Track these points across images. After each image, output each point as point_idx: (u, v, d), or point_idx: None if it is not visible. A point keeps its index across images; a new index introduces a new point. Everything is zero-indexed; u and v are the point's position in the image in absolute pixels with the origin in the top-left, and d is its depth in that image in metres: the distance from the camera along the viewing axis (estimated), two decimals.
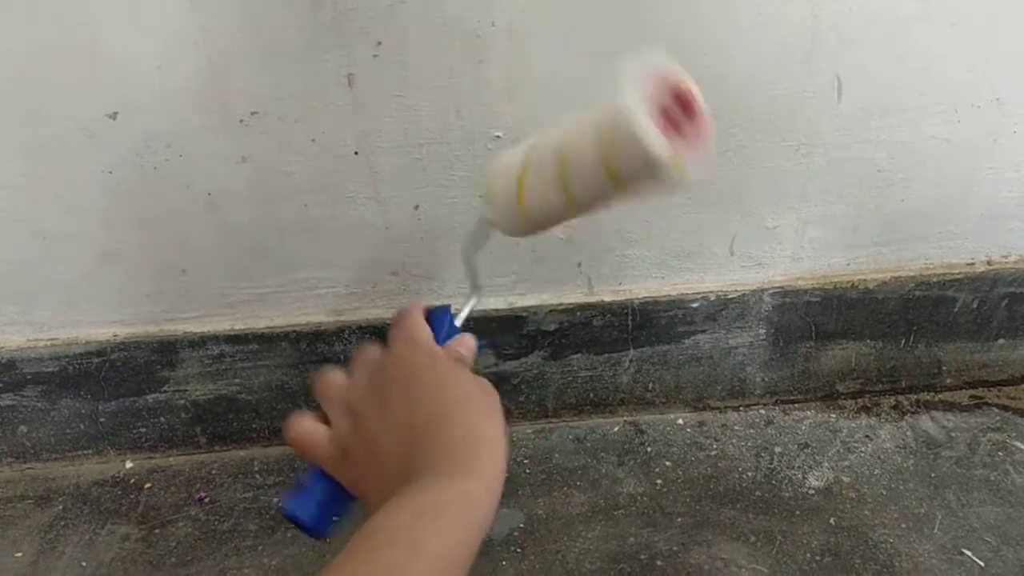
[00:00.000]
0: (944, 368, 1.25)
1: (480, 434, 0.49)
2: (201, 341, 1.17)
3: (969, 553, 1.03)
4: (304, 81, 0.99)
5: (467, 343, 0.60)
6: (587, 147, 0.56)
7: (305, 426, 0.55)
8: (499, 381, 1.22)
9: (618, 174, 0.54)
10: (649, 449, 1.21)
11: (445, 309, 0.62)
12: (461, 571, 0.43)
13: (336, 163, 1.05)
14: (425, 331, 0.59)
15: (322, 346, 1.17)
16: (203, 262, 1.12)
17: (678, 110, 0.52)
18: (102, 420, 1.23)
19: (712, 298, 1.18)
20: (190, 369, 1.19)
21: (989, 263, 1.18)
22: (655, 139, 0.49)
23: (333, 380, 0.56)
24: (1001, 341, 1.23)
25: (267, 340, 1.17)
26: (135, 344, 1.17)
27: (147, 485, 1.22)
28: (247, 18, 0.95)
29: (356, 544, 0.41)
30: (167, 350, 1.18)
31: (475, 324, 0.62)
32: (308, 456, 0.54)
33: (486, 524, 0.46)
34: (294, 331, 1.16)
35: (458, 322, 0.63)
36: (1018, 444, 1.17)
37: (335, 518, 0.55)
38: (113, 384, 1.20)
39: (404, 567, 0.40)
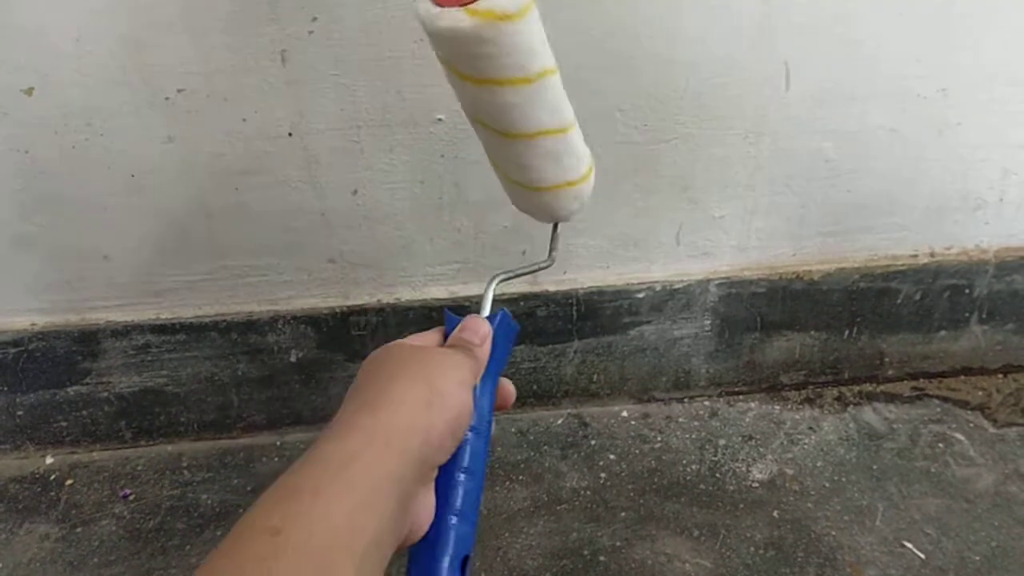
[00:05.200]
0: (886, 360, 1.25)
1: (389, 391, 0.44)
2: (125, 331, 1.11)
3: (910, 545, 1.02)
4: (234, 57, 0.94)
5: (469, 324, 0.53)
6: (455, 81, 0.54)
7: None
8: None
9: (475, 74, 0.51)
10: (593, 442, 1.19)
11: (447, 314, 0.57)
12: (362, 538, 0.38)
13: (269, 144, 1.00)
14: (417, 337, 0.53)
15: (254, 336, 1.12)
16: (127, 247, 1.06)
17: None
18: (20, 413, 1.16)
19: (658, 288, 1.16)
20: (114, 360, 1.13)
21: (932, 255, 1.18)
22: (436, 12, 0.48)
23: None
24: (942, 333, 1.23)
25: (195, 330, 1.11)
26: (55, 334, 1.11)
27: (68, 482, 1.16)
28: None
29: (227, 537, 0.37)
30: (89, 340, 1.12)
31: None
32: None
33: (394, 476, 0.41)
34: (224, 321, 1.11)
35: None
36: (958, 436, 1.18)
37: None
38: (32, 376, 1.14)
39: (269, 567, 0.36)
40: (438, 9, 0.48)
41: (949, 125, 1.07)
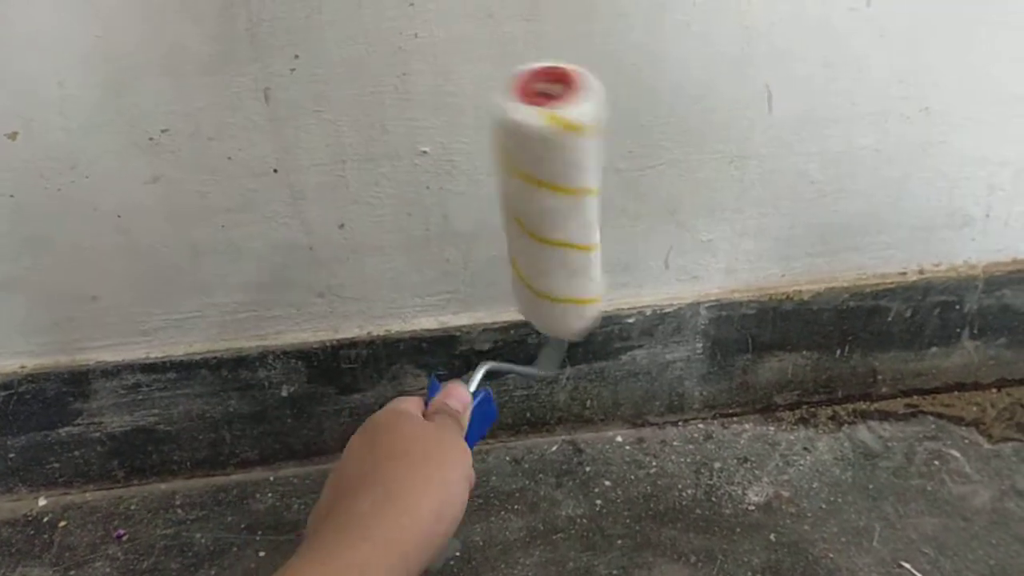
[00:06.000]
0: (879, 377, 1.25)
1: (407, 492, 0.46)
2: (115, 371, 1.11)
3: (908, 566, 1.02)
4: (217, 96, 0.95)
5: (449, 391, 0.56)
6: (506, 175, 0.54)
7: None
8: None
9: (529, 172, 0.53)
10: (588, 469, 1.18)
11: (433, 381, 0.59)
12: None
13: (254, 181, 1.00)
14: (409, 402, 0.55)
15: (245, 372, 1.12)
16: (115, 288, 1.06)
17: (559, 88, 0.52)
18: (11, 456, 1.15)
19: (648, 313, 1.16)
20: (104, 400, 1.12)
21: (921, 272, 1.18)
22: (513, 106, 0.50)
23: None
24: (934, 349, 1.23)
25: (186, 368, 1.11)
26: (44, 376, 1.10)
27: (62, 523, 1.15)
28: (152, 30, 0.90)
29: None
30: (79, 381, 1.11)
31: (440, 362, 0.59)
32: None
33: None
34: (215, 357, 1.11)
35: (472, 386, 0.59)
36: (953, 453, 1.17)
37: None
38: (22, 418, 1.13)
39: None
40: (516, 104, 0.51)
41: (933, 143, 1.08)
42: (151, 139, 0.96)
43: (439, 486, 0.47)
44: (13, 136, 0.94)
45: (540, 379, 0.66)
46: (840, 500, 1.11)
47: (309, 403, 1.15)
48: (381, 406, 1.15)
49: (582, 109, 0.50)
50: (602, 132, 0.52)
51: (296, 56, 0.93)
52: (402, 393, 1.16)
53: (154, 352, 1.11)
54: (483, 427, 0.58)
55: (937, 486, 1.13)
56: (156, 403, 1.13)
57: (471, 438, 0.56)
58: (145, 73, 0.92)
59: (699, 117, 1.02)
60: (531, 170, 0.53)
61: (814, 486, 1.14)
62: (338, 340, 1.12)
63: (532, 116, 0.50)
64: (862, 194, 1.11)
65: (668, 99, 1.01)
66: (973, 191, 1.12)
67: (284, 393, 1.14)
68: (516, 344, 1.15)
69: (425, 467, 0.48)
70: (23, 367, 1.11)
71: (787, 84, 1.01)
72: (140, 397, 1.13)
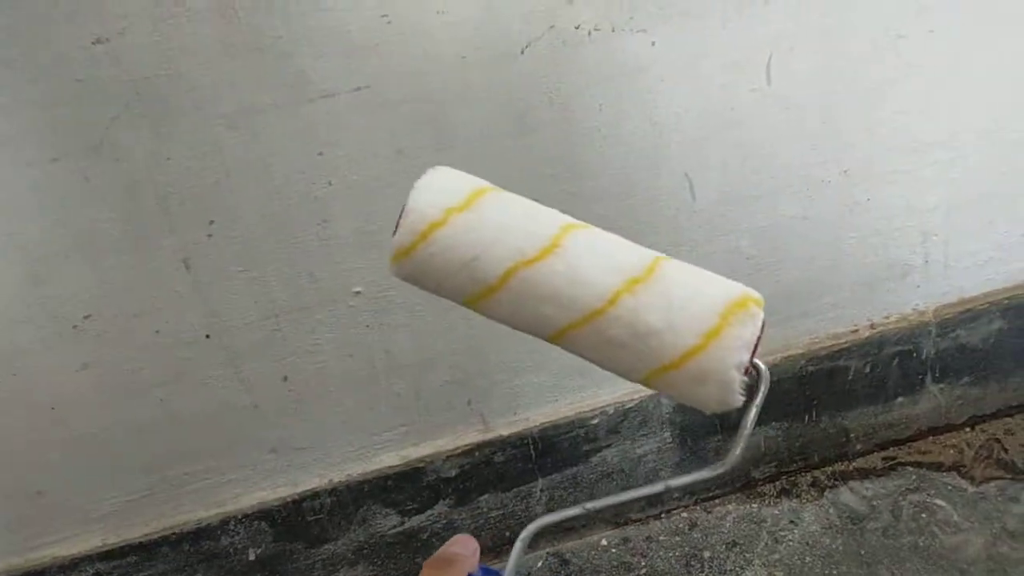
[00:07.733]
0: (852, 436, 1.23)
1: None
2: (72, 564, 1.06)
3: None
4: (137, 274, 0.93)
5: (462, 542, 0.48)
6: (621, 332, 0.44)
7: None
8: (407, 539, 1.14)
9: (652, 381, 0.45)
10: None
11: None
12: None
13: (187, 350, 0.98)
14: None
15: (207, 543, 1.07)
16: (59, 479, 1.02)
17: None
18: None
19: (611, 411, 1.14)
20: None
21: (872, 327, 1.17)
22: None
23: None
24: (901, 399, 1.22)
25: (145, 549, 1.06)
26: None
27: None
28: (60, 218, 0.88)
29: None
30: None
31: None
32: None
33: None
34: (173, 533, 1.06)
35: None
36: (938, 502, 1.15)
37: None
38: None
39: None
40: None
41: (859, 203, 1.08)
42: (75, 326, 0.94)
43: None
44: None
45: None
46: (835, 571, 1.08)
47: (279, 562, 1.11)
48: (354, 553, 1.11)
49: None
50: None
51: (211, 222, 0.92)
52: (373, 536, 1.13)
53: (110, 538, 1.06)
54: None
55: (929, 540, 1.10)
56: None
57: None
58: (60, 261, 0.90)
59: (625, 215, 1.02)
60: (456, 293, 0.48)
61: (807, 560, 1.11)
62: (299, 493, 1.08)
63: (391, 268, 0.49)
64: (799, 261, 1.11)
65: (590, 204, 1.01)
66: (907, 240, 1.13)
67: (251, 557, 1.10)
68: (483, 465, 1.12)
69: None
70: None
71: (705, 169, 1.02)
72: None
